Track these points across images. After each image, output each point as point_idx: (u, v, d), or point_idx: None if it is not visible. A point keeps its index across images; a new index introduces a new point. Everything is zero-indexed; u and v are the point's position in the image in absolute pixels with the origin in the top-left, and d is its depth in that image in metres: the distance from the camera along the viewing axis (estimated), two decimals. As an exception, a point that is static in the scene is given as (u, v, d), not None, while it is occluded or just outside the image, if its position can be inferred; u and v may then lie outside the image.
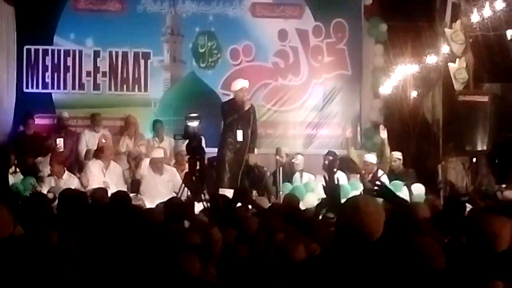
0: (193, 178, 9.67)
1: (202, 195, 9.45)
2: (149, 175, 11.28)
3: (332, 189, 4.60)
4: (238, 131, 10.82)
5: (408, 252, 3.57)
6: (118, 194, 7.39)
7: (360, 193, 8.96)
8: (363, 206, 3.85)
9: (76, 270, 4.25)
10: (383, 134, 12.39)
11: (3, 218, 4.29)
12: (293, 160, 12.26)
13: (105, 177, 11.23)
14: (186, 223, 6.65)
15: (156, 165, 11.31)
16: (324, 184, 4.60)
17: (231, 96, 11.54)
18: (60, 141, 12.39)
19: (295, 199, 8.43)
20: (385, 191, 4.83)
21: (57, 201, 6.18)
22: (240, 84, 11.22)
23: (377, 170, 11.55)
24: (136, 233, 5.09)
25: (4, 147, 8.14)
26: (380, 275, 3.57)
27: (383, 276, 3.56)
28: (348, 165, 12.53)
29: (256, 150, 11.76)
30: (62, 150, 12.23)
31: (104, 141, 11.96)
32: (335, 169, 11.61)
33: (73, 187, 9.73)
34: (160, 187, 11.11)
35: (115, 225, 5.22)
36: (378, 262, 3.64)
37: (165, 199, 8.80)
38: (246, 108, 11.08)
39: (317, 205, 5.94)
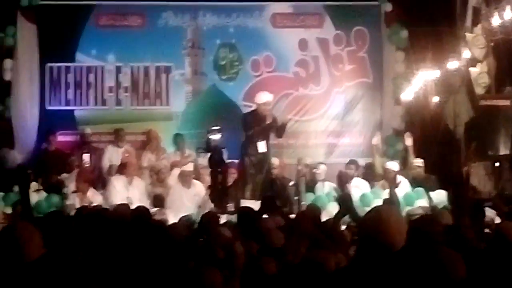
0: (216, 190, 9.71)
1: (227, 207, 9.49)
2: (176, 188, 11.31)
3: (344, 198, 4.62)
4: (260, 142, 10.82)
5: (429, 263, 3.57)
6: (139, 209, 7.42)
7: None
8: (386, 216, 3.85)
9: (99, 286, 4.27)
10: (409, 141, 12.35)
11: (35, 241, 4.31)
12: (314, 170, 12.26)
13: (128, 192, 11.25)
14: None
15: (185, 178, 11.32)
16: (336, 194, 4.62)
17: (253, 108, 11.54)
18: (86, 157, 12.48)
19: (316, 209, 8.42)
20: (346, 202, 4.82)
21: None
22: (265, 97, 11.23)
23: (395, 177, 11.48)
24: (158, 247, 5.11)
25: (24, 167, 8.17)
26: (402, 286, 3.57)
27: (405, 286, 3.56)
28: (371, 173, 12.49)
29: (278, 161, 11.79)
30: (88, 165, 12.32)
31: (127, 155, 11.97)
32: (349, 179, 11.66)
33: (96, 204, 9.80)
34: (186, 201, 11.12)
35: (136, 240, 5.24)
36: (401, 272, 3.64)
37: (188, 213, 8.88)
38: (269, 120, 11.09)
39: (336, 213, 5.93)
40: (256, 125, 10.91)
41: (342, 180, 10.82)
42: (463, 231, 5.16)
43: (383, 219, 3.84)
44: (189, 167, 11.56)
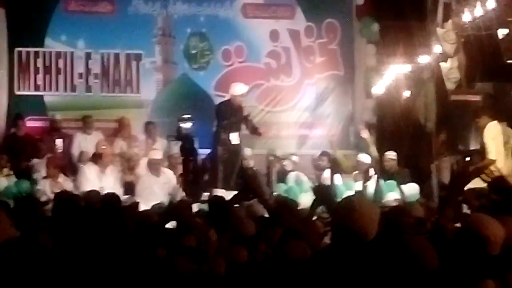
0: (187, 178, 9.68)
1: (199, 196, 9.47)
2: (146, 177, 11.25)
3: (323, 188, 4.62)
4: (233, 133, 10.73)
5: (401, 252, 3.58)
6: (108, 195, 7.39)
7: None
8: (358, 206, 3.86)
9: (69, 272, 4.24)
10: (365, 134, 12.41)
11: (2, 222, 4.28)
12: (284, 163, 12.28)
13: (101, 181, 11.16)
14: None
15: (154, 166, 11.27)
16: (313, 185, 4.62)
17: (226, 98, 11.47)
18: (59, 142, 12.41)
19: (293, 201, 8.43)
20: (325, 192, 4.83)
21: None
22: (241, 89, 11.11)
23: (367, 170, 11.53)
24: (127, 234, 5.08)
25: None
26: (374, 275, 3.58)
27: (378, 276, 3.57)
28: (337, 166, 12.54)
29: (250, 151, 11.78)
30: (61, 150, 12.24)
31: (103, 147, 11.87)
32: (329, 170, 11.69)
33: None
34: (156, 189, 11.07)
35: (106, 226, 5.22)
36: (373, 262, 3.65)
37: (159, 201, 8.84)
38: (246, 112, 11.03)
39: (313, 202, 5.93)
40: (232, 116, 10.80)
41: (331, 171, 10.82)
42: (443, 223, 5.19)
43: (356, 209, 3.85)
44: (157, 155, 11.50)
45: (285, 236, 5.42)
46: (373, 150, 12.33)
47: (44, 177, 11.08)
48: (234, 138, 10.68)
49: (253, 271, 4.54)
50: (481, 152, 10.69)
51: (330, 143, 13.06)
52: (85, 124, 12.96)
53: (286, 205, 6.76)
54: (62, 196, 6.36)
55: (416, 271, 3.53)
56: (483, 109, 10.91)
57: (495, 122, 10.56)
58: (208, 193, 10.11)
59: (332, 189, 5.15)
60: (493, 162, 10.57)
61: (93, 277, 4.19)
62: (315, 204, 5.98)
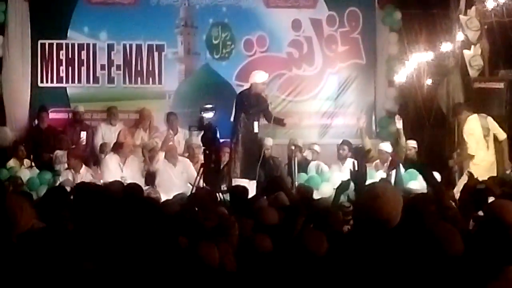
0: (209, 169, 9.69)
1: (219, 186, 9.48)
2: (163, 168, 11.30)
3: (359, 175, 4.62)
4: (255, 122, 10.69)
5: (426, 237, 3.56)
6: (131, 186, 7.42)
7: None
8: (381, 193, 3.85)
9: (93, 263, 4.26)
10: (399, 124, 12.34)
11: (25, 212, 4.32)
12: (304, 154, 12.26)
13: (122, 172, 11.23)
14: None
15: (171, 153, 11.31)
16: (352, 170, 4.61)
17: (248, 87, 11.41)
18: (83, 134, 12.49)
19: (308, 189, 8.43)
20: (361, 176, 4.81)
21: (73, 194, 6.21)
22: (262, 77, 11.00)
23: (393, 159, 11.49)
24: (150, 224, 5.10)
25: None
26: (397, 262, 3.57)
27: (401, 263, 3.56)
28: (363, 155, 12.50)
29: (271, 141, 11.76)
30: (84, 142, 12.32)
31: (124, 136, 11.93)
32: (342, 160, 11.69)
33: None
34: (175, 179, 11.14)
35: (129, 217, 5.24)
36: (396, 249, 3.64)
37: (180, 191, 8.86)
38: (268, 101, 10.98)
39: (337, 188, 5.91)
40: (255, 105, 10.73)
41: (360, 157, 10.76)
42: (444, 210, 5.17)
43: (379, 196, 3.84)
44: (178, 140, 11.58)
45: (306, 226, 5.43)
46: (403, 141, 12.26)
47: (66, 169, 11.15)
48: (256, 127, 10.64)
49: (273, 260, 4.55)
50: (461, 147, 10.70)
51: (360, 131, 13.01)
52: (110, 115, 13.05)
53: (308, 194, 6.78)
54: (82, 187, 6.38)
55: (441, 257, 3.51)
56: (462, 104, 10.88)
57: (475, 115, 10.53)
58: (228, 183, 10.13)
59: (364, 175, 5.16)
60: (471, 157, 10.55)
61: (116, 268, 4.21)
62: (337, 193, 5.97)
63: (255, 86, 10.85)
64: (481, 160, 10.93)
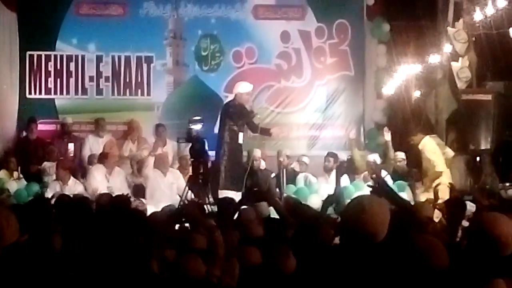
0: (197, 181, 9.66)
1: (207, 198, 9.46)
2: (153, 176, 11.26)
3: (382, 190, 4.59)
4: (240, 133, 10.66)
5: (410, 251, 3.55)
6: (118, 198, 7.40)
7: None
8: (368, 206, 3.80)
9: (78, 274, 4.24)
10: (387, 136, 12.36)
11: (11, 224, 4.29)
12: (291, 166, 12.27)
13: (108, 182, 11.22)
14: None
15: (162, 161, 11.29)
16: (373, 185, 4.59)
17: (233, 98, 11.35)
18: (71, 146, 12.47)
19: (296, 200, 8.42)
20: (385, 190, 4.79)
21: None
22: (246, 87, 10.97)
23: (380, 171, 11.49)
24: (137, 236, 5.08)
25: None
26: (383, 276, 3.55)
27: (387, 277, 3.54)
28: (351, 166, 12.52)
29: (259, 152, 11.74)
30: (72, 154, 12.30)
31: (110, 147, 11.91)
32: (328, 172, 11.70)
33: (77, 193, 9.75)
34: (165, 189, 11.11)
35: (116, 228, 5.22)
36: (382, 262, 3.62)
37: (170, 202, 8.84)
38: (254, 112, 10.96)
39: (324, 200, 5.90)
40: (239, 115, 10.70)
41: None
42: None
43: (365, 210, 3.80)
44: (161, 151, 11.56)
45: (296, 237, 5.41)
46: (392, 154, 12.28)
47: (54, 180, 11.11)
48: (240, 138, 10.61)
49: (262, 274, 4.53)
50: (424, 167, 10.72)
51: (349, 142, 13.04)
52: (98, 127, 13.04)
53: (297, 206, 6.76)
54: (62, 200, 6.36)
55: (426, 270, 3.50)
56: (416, 127, 10.91)
57: (428, 137, 10.57)
58: (215, 195, 10.11)
59: (339, 191, 5.22)
60: (440, 174, 10.57)
61: (101, 278, 4.19)
62: (324, 206, 5.97)
63: (239, 96, 10.81)
64: (446, 178, 10.96)
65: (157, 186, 11.12)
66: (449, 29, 12.67)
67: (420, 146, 10.63)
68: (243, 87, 10.95)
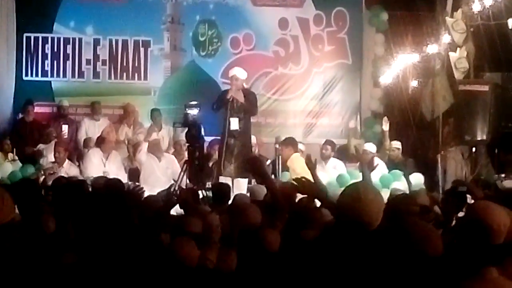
0: (193, 166, 9.66)
1: (203, 184, 9.46)
2: (147, 161, 11.24)
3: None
4: (232, 119, 10.56)
5: (404, 237, 3.55)
6: (112, 181, 7.40)
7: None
8: (363, 194, 3.82)
9: (72, 257, 4.25)
10: (385, 126, 12.37)
11: (6, 204, 4.29)
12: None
13: (105, 166, 11.20)
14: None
15: (154, 147, 11.27)
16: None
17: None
18: (65, 128, 12.46)
19: (290, 187, 8.39)
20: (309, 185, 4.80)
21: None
22: (234, 71, 10.87)
23: (372, 159, 11.47)
24: (131, 219, 5.09)
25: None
26: (377, 263, 3.56)
27: (381, 264, 3.55)
28: (346, 154, 12.54)
29: (255, 139, 11.72)
30: (67, 136, 12.29)
31: (108, 131, 11.89)
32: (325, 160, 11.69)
33: (72, 175, 9.75)
34: (159, 174, 11.08)
35: (110, 212, 5.22)
36: (376, 250, 3.62)
37: (165, 188, 8.84)
38: (229, 95, 10.57)
39: None
40: (226, 102, 10.57)
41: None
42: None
43: (361, 198, 3.81)
44: (155, 135, 11.53)
45: (290, 223, 5.41)
46: (387, 143, 12.29)
47: (53, 162, 11.09)
48: (234, 124, 10.49)
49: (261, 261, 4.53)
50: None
51: (348, 131, 13.05)
52: (93, 110, 13.04)
53: (291, 191, 6.74)
54: (59, 182, 6.35)
55: (420, 256, 3.50)
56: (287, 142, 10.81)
57: (298, 154, 10.52)
58: (214, 181, 10.11)
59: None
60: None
61: (95, 262, 4.19)
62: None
63: (230, 81, 10.72)
64: None
65: (151, 171, 11.10)
66: (448, 19, 12.63)
67: (288, 163, 10.54)
68: (231, 71, 10.86)
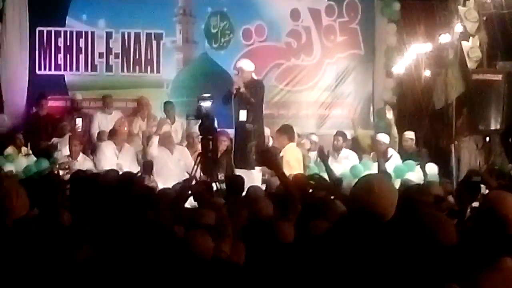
0: (206, 158, 9.67)
1: (216, 176, 9.47)
2: (159, 154, 11.25)
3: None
4: (241, 111, 10.53)
5: (418, 228, 3.55)
6: (125, 174, 7.42)
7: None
8: (377, 186, 3.81)
9: (88, 250, 4.27)
10: (389, 114, 12.36)
11: (20, 199, 4.32)
12: (302, 141, 12.24)
13: (118, 159, 11.22)
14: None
15: (167, 140, 11.27)
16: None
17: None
18: (79, 121, 12.49)
19: (304, 178, 8.41)
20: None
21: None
22: (238, 63, 10.89)
23: (386, 150, 11.47)
24: (144, 213, 5.11)
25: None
26: (392, 254, 3.56)
27: (395, 255, 3.55)
28: (357, 145, 12.53)
29: (268, 131, 11.72)
30: (80, 130, 12.32)
31: (125, 127, 11.90)
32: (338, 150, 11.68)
33: (86, 169, 9.77)
34: (172, 167, 11.09)
35: (122, 205, 5.25)
36: (390, 241, 3.62)
37: (178, 180, 8.85)
38: (242, 88, 10.41)
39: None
40: (230, 94, 10.49)
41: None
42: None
43: (374, 190, 3.80)
44: (167, 128, 11.54)
45: (304, 215, 5.42)
46: (394, 131, 12.29)
47: (68, 156, 11.13)
48: (242, 115, 10.48)
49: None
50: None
51: (352, 122, 13.06)
52: (105, 104, 13.05)
53: (304, 182, 6.75)
54: (77, 176, 6.37)
55: (434, 246, 3.50)
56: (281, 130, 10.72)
57: (294, 144, 10.45)
58: (228, 173, 10.11)
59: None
60: None
61: (109, 256, 4.21)
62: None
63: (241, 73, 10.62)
64: None
65: (164, 164, 11.10)
66: (460, 8, 12.60)
67: (282, 153, 10.46)
68: (242, 63, 10.84)
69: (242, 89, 10.39)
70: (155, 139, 11.43)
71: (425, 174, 9.92)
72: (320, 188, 5.17)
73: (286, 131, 10.68)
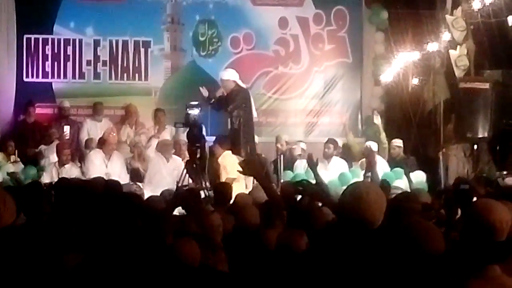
0: (194, 166, 9.67)
1: (203, 183, 9.46)
2: (155, 160, 11.23)
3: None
4: (228, 119, 10.59)
5: (406, 235, 3.55)
6: (110, 182, 7.41)
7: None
8: (365, 194, 3.81)
9: (75, 258, 4.25)
10: (377, 119, 12.39)
11: (8, 206, 4.29)
12: (294, 147, 12.25)
13: (107, 167, 11.18)
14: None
15: (164, 148, 11.26)
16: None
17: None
18: (67, 129, 12.46)
19: (291, 186, 8.40)
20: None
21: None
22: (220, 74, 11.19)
23: (375, 157, 11.47)
24: (130, 221, 5.09)
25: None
26: (379, 262, 3.56)
27: (383, 262, 3.55)
28: (349, 153, 12.53)
29: (257, 139, 11.73)
30: (68, 137, 12.29)
31: (113, 134, 11.88)
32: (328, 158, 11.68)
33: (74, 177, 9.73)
34: (165, 175, 11.06)
35: (108, 213, 5.23)
36: (378, 248, 3.63)
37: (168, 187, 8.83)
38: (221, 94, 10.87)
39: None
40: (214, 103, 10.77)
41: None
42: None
43: (363, 197, 3.80)
44: (167, 136, 11.53)
45: (292, 222, 5.41)
46: (383, 136, 12.31)
47: (55, 163, 11.09)
48: (229, 124, 10.57)
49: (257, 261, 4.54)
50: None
51: (343, 127, 13.08)
52: (95, 111, 13.03)
53: (291, 191, 6.74)
54: (61, 184, 6.35)
55: (422, 255, 3.50)
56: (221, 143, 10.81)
57: (229, 152, 10.50)
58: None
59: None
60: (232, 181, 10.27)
61: (96, 263, 4.19)
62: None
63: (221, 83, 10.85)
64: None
65: (157, 170, 11.07)
66: (448, 17, 12.64)
67: (220, 159, 10.53)
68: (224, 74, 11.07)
69: (223, 97, 10.49)
70: (154, 142, 11.43)
71: (410, 181, 9.95)
72: (307, 194, 5.15)
73: (221, 142, 10.73)
